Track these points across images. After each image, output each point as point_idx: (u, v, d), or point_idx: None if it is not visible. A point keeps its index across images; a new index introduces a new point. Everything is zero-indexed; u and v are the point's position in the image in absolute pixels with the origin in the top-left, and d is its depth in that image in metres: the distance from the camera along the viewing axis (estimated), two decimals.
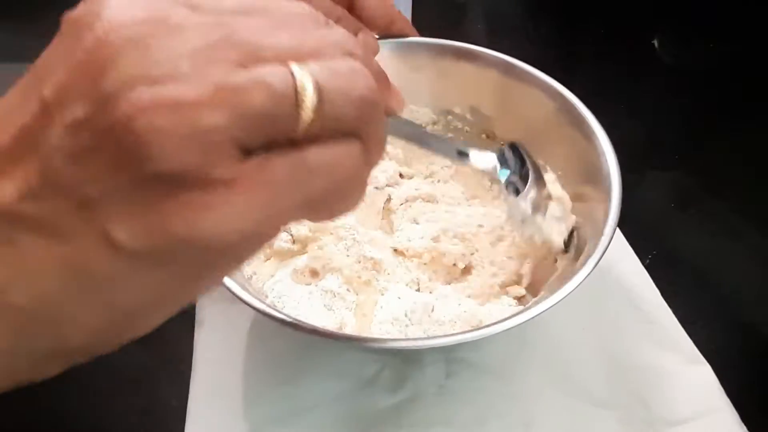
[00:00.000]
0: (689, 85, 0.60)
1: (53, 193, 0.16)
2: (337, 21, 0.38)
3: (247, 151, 0.16)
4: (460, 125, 0.45)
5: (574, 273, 0.30)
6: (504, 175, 0.33)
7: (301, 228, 0.39)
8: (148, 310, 0.19)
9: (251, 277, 0.37)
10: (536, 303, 0.29)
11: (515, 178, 0.34)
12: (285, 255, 0.39)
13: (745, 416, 0.34)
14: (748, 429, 0.34)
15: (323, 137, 0.17)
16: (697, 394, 0.35)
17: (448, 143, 0.31)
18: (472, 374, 0.36)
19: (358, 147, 0.19)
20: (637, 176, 0.51)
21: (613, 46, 0.66)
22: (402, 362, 0.37)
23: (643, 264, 0.42)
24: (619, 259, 0.42)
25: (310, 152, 0.17)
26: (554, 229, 0.35)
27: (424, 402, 0.35)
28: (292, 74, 0.17)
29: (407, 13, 0.54)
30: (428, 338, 0.33)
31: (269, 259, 0.39)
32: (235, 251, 0.18)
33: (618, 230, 0.44)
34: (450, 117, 0.45)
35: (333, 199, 0.19)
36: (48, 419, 0.36)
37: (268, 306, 0.29)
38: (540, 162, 0.38)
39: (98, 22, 0.16)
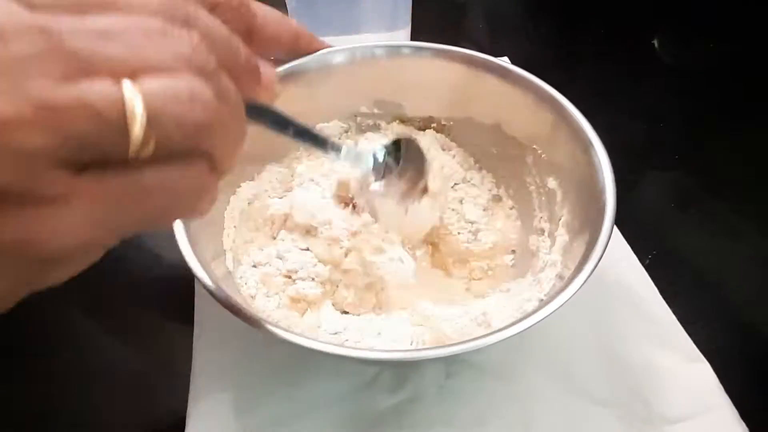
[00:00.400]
0: (689, 85, 0.60)
1: None
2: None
3: (80, 168, 0.16)
4: (371, 122, 0.46)
5: (573, 277, 0.30)
6: (367, 166, 0.36)
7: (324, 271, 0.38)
8: None
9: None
10: (537, 309, 0.29)
11: (386, 170, 0.37)
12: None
13: (745, 415, 0.34)
14: (748, 427, 0.34)
15: (160, 157, 0.17)
16: (697, 391, 0.35)
17: (321, 136, 0.33)
18: (472, 374, 0.36)
19: (200, 164, 0.18)
20: (637, 176, 0.51)
21: (613, 46, 0.66)
22: (402, 363, 0.37)
23: (643, 264, 0.42)
24: (618, 258, 0.42)
25: (145, 173, 0.17)
26: (413, 221, 0.38)
27: (424, 402, 0.35)
28: (122, 95, 0.16)
29: (407, 13, 0.54)
30: (430, 348, 0.32)
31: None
32: (69, 259, 0.17)
33: (618, 230, 0.44)
34: (359, 118, 0.46)
35: (175, 212, 0.19)
36: (48, 420, 0.36)
37: (267, 321, 0.29)
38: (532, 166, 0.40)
39: None
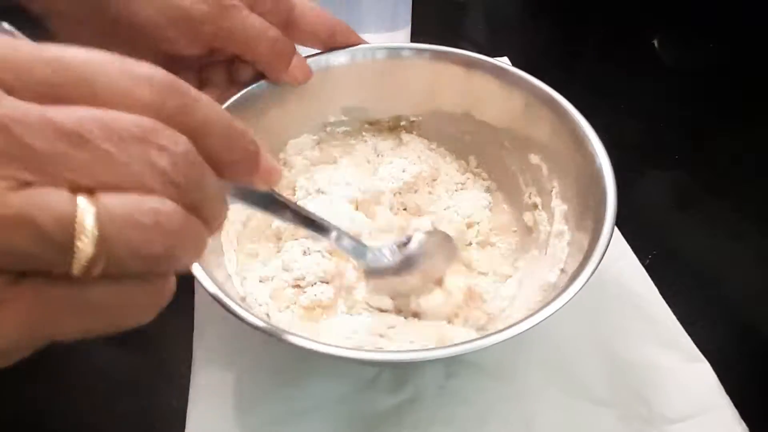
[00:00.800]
0: (689, 85, 0.60)
1: None
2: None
3: (19, 274, 0.15)
4: (340, 130, 0.46)
5: (573, 278, 0.30)
6: (368, 263, 0.35)
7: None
8: None
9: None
10: (538, 309, 0.29)
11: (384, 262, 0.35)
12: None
13: (744, 415, 0.34)
14: (748, 427, 0.34)
15: (110, 276, 0.16)
16: (697, 391, 0.35)
17: (319, 224, 0.31)
18: (472, 374, 0.36)
19: (157, 282, 0.17)
20: (637, 176, 0.51)
21: (613, 46, 0.66)
22: (402, 365, 0.37)
23: (643, 264, 0.42)
24: (618, 258, 0.42)
25: (92, 289, 0.16)
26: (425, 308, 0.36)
27: (424, 402, 0.35)
28: (73, 213, 0.14)
29: (407, 14, 0.54)
30: (430, 349, 0.32)
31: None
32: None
33: (618, 230, 0.44)
34: (329, 128, 0.46)
35: (121, 325, 0.18)
36: (48, 421, 0.36)
37: (265, 322, 0.29)
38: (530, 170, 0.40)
39: None
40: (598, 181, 0.34)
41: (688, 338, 0.38)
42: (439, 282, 0.37)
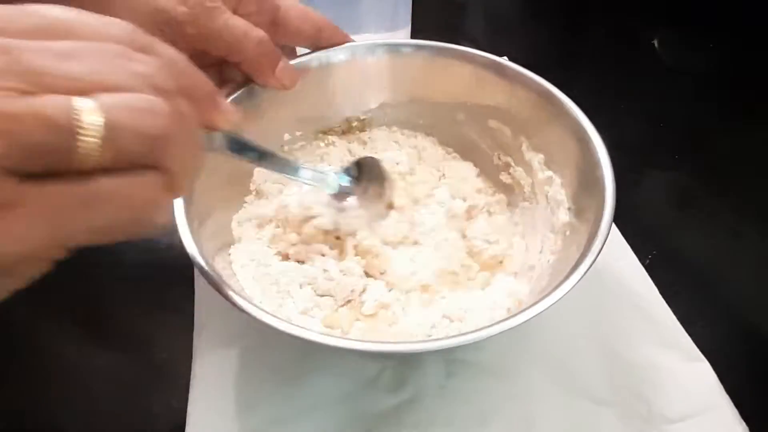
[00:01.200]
0: (689, 85, 0.60)
1: None
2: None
3: (29, 175, 0.16)
4: (296, 145, 0.45)
5: (570, 272, 0.30)
6: (334, 187, 0.38)
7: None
8: None
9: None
10: (535, 303, 0.29)
11: (350, 189, 0.39)
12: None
13: (744, 415, 0.34)
14: (748, 426, 0.34)
15: (116, 168, 0.17)
16: (697, 391, 0.35)
17: (280, 160, 0.34)
18: (473, 374, 0.36)
19: (156, 177, 0.19)
20: (637, 176, 0.51)
21: (613, 46, 0.66)
22: (402, 363, 0.37)
23: (643, 264, 0.42)
24: (618, 258, 0.42)
25: (98, 182, 0.17)
26: (388, 232, 0.39)
27: (424, 402, 0.35)
28: (76, 105, 0.16)
29: (407, 13, 0.54)
30: (427, 341, 0.32)
31: None
32: (13, 270, 0.17)
33: (618, 230, 0.44)
34: (286, 147, 0.44)
35: (125, 225, 0.19)
36: (48, 420, 0.36)
37: (269, 315, 0.29)
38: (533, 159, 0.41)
39: None
40: (586, 143, 0.35)
41: (688, 338, 0.38)
42: (390, 206, 0.41)
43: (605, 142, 0.35)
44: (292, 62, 0.41)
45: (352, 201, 0.39)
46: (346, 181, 0.40)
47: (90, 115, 0.16)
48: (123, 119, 0.17)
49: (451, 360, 0.37)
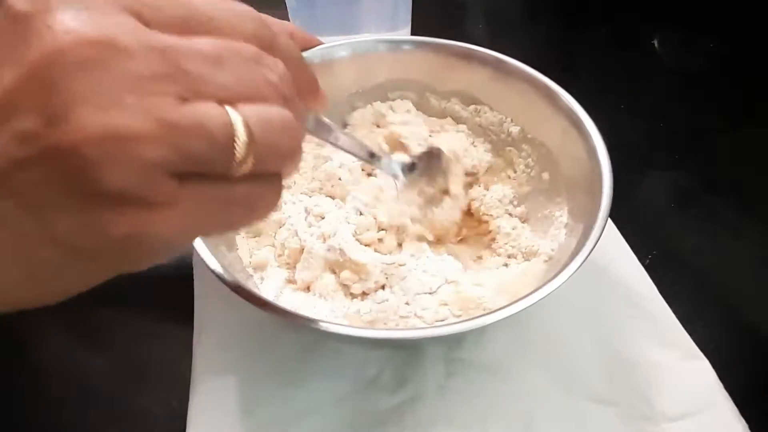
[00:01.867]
0: (689, 85, 0.60)
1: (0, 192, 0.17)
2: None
3: (183, 176, 0.18)
4: None
5: (566, 264, 0.30)
6: (400, 172, 0.39)
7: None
8: (67, 287, 0.20)
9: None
10: (529, 294, 0.29)
11: (416, 177, 0.41)
12: None
13: (744, 414, 0.34)
14: (748, 424, 0.34)
15: (250, 175, 0.19)
16: (696, 389, 0.36)
17: (361, 144, 0.35)
18: (473, 373, 0.36)
19: (280, 183, 0.21)
20: (637, 176, 0.51)
21: (613, 46, 0.66)
22: (402, 362, 0.37)
23: (642, 264, 0.42)
24: (617, 257, 0.42)
25: (238, 187, 0.19)
26: (440, 217, 0.41)
27: (425, 402, 0.35)
28: (230, 120, 0.18)
29: (407, 14, 0.54)
30: (423, 328, 0.33)
31: None
32: (156, 255, 0.19)
33: (617, 230, 0.44)
34: None
35: (249, 221, 0.21)
36: (48, 420, 0.36)
37: (271, 301, 0.29)
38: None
39: (48, 33, 0.16)
40: (579, 125, 0.36)
41: (688, 337, 0.38)
42: (446, 191, 0.42)
43: (605, 142, 0.35)
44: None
45: (407, 189, 0.40)
46: (410, 170, 0.40)
47: (241, 128, 0.18)
48: (266, 136, 0.19)
49: (450, 359, 0.37)
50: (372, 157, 0.36)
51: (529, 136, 0.43)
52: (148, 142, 0.16)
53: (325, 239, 0.38)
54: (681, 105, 0.57)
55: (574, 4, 0.73)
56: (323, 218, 0.40)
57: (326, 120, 0.30)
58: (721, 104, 0.57)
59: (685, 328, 0.38)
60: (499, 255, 0.40)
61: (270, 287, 0.37)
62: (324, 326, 0.29)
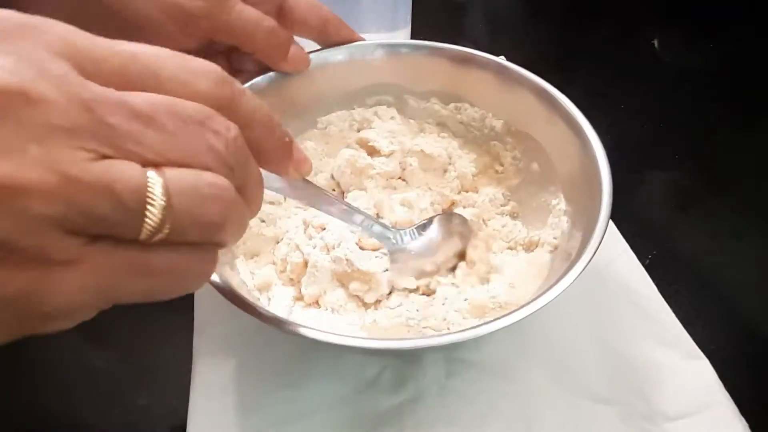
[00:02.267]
0: (689, 85, 0.60)
1: None
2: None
3: (95, 236, 0.16)
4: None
5: (568, 270, 0.30)
6: (390, 245, 0.37)
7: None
8: None
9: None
10: (532, 301, 0.29)
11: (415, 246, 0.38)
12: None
13: (744, 414, 0.34)
14: (748, 423, 0.34)
15: (170, 242, 0.18)
16: (697, 388, 0.36)
17: (350, 209, 0.33)
18: (473, 374, 0.36)
19: (210, 252, 0.19)
20: (637, 176, 0.51)
21: (613, 46, 0.66)
22: (403, 363, 0.37)
23: (642, 264, 0.42)
24: (617, 258, 0.42)
25: (155, 255, 0.18)
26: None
27: (425, 402, 0.35)
28: (144, 183, 0.16)
29: (407, 13, 0.54)
30: (425, 338, 0.33)
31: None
32: (62, 316, 0.18)
33: (617, 230, 0.44)
34: None
35: (174, 291, 0.20)
36: (48, 421, 0.36)
37: (269, 312, 0.29)
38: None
39: None
40: (579, 129, 0.36)
41: (688, 336, 0.38)
42: (462, 256, 0.38)
43: (605, 142, 0.35)
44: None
45: (407, 255, 0.38)
46: (408, 239, 0.38)
47: (158, 192, 0.17)
48: (187, 204, 0.17)
49: (451, 360, 0.37)
50: (361, 224, 0.34)
51: (513, 129, 0.42)
52: (40, 195, 0.15)
53: (329, 250, 0.37)
54: (681, 105, 0.57)
55: (574, 4, 0.73)
56: (324, 229, 0.38)
57: (310, 182, 0.29)
58: (721, 104, 0.57)
59: (685, 328, 0.38)
60: (501, 252, 0.40)
61: (280, 307, 0.36)
62: (344, 341, 0.28)
